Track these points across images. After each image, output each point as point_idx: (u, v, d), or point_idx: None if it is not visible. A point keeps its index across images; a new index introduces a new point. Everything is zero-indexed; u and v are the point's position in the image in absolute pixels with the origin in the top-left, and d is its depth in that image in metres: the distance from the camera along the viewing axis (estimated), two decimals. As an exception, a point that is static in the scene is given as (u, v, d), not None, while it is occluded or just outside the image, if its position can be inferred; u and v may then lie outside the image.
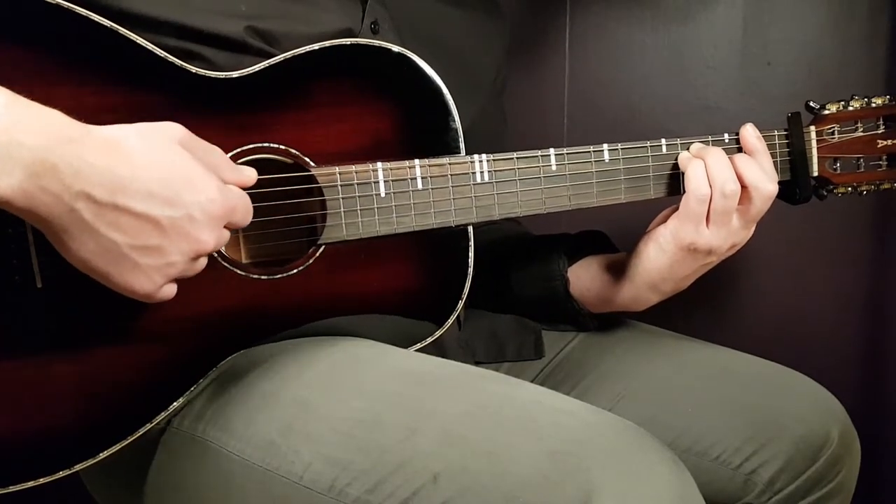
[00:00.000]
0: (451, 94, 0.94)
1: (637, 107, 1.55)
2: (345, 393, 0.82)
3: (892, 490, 1.55)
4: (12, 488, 0.81)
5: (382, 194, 0.92)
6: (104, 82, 0.82)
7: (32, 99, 0.68)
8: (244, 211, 0.79)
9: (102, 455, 0.83)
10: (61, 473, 0.82)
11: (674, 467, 0.74)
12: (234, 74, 0.87)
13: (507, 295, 1.18)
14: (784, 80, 1.48)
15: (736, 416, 1.03)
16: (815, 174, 1.12)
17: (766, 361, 1.12)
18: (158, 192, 0.71)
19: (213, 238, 0.75)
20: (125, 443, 0.84)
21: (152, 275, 0.74)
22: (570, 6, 1.55)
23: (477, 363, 1.15)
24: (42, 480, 0.81)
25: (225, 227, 0.77)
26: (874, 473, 1.40)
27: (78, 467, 0.83)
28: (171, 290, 0.77)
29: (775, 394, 1.06)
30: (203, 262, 0.78)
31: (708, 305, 1.57)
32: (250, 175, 0.81)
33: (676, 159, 1.04)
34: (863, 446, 1.08)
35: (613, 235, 1.21)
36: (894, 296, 1.53)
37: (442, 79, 0.93)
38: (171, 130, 0.75)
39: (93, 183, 0.68)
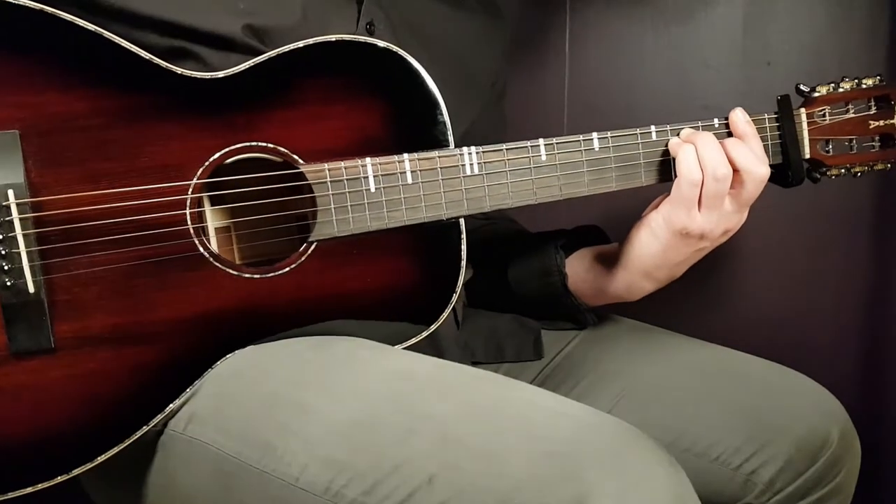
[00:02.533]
0: (449, 96, 0.94)
1: (637, 107, 1.55)
2: (341, 394, 0.82)
3: (893, 490, 1.54)
4: (10, 495, 0.81)
5: (372, 189, 0.92)
6: (92, 86, 0.82)
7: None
8: None
9: (100, 459, 0.83)
10: (59, 479, 0.82)
11: (670, 469, 0.74)
12: (220, 74, 0.87)
13: (506, 293, 1.18)
14: (784, 80, 1.48)
15: (736, 416, 1.03)
16: (807, 156, 1.11)
17: (765, 361, 1.11)
18: None
19: None
20: (122, 446, 0.84)
21: None
22: (570, 6, 1.55)
23: (475, 363, 1.15)
24: (40, 486, 0.82)
25: None
26: (874, 474, 1.39)
27: (76, 472, 0.83)
28: None
29: (775, 394, 1.05)
30: None
31: (708, 305, 1.57)
32: None
33: (667, 145, 1.04)
34: (863, 446, 1.08)
35: (612, 229, 1.20)
36: (894, 296, 1.53)
37: (439, 81, 0.93)
38: None
39: None
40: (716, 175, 0.98)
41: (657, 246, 1.03)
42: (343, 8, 0.99)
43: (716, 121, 1.05)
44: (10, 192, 0.79)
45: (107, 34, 0.82)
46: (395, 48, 0.92)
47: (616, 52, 1.55)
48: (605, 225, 1.21)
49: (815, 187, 1.15)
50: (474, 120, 1.13)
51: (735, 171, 0.99)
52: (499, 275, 1.18)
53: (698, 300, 1.54)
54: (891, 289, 1.52)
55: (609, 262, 1.10)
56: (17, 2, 0.79)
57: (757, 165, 1.00)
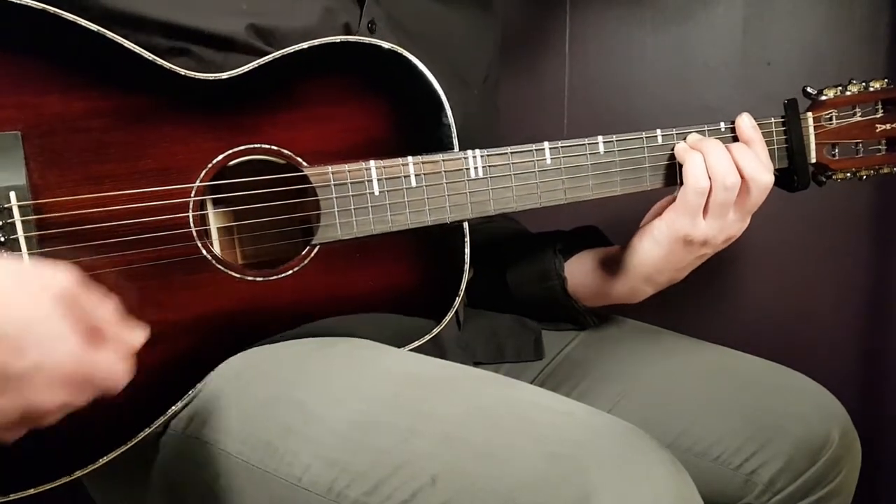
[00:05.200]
0: (444, 91, 0.94)
1: (637, 107, 1.55)
2: (343, 394, 0.82)
3: (892, 491, 1.54)
4: (13, 496, 0.81)
5: (376, 193, 0.92)
6: (93, 87, 0.82)
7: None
8: (108, 379, 0.68)
9: (103, 461, 0.83)
10: (63, 480, 0.82)
11: (672, 469, 0.74)
12: (224, 75, 0.87)
13: (506, 294, 1.18)
14: (784, 80, 1.48)
15: (736, 416, 1.03)
16: (814, 161, 1.11)
17: (766, 361, 1.11)
18: (4, 337, 0.62)
19: (52, 403, 0.65)
20: (125, 448, 0.84)
21: None
22: (570, 6, 1.55)
23: (476, 364, 1.15)
24: (43, 487, 0.82)
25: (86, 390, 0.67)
26: (874, 474, 1.39)
27: (79, 473, 0.83)
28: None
29: (775, 394, 1.06)
30: (48, 420, 0.67)
31: (708, 305, 1.57)
32: (137, 337, 0.71)
33: (673, 150, 1.03)
34: (863, 447, 1.08)
35: (615, 231, 1.20)
36: (894, 296, 1.53)
37: (437, 77, 0.93)
38: (52, 280, 0.66)
39: None
40: (725, 184, 0.98)
41: (659, 252, 1.03)
42: (345, 7, 0.99)
43: (722, 124, 1.05)
44: (12, 194, 0.79)
45: (109, 34, 0.82)
46: (400, 50, 0.91)
47: (616, 52, 1.55)
48: (609, 226, 1.21)
49: (816, 188, 1.15)
50: (468, 114, 1.13)
51: (741, 178, 0.99)
52: (499, 276, 1.19)
53: (699, 300, 1.54)
54: (891, 289, 1.53)
55: (610, 266, 1.10)
56: (19, 2, 0.79)
57: (762, 173, 1.00)
